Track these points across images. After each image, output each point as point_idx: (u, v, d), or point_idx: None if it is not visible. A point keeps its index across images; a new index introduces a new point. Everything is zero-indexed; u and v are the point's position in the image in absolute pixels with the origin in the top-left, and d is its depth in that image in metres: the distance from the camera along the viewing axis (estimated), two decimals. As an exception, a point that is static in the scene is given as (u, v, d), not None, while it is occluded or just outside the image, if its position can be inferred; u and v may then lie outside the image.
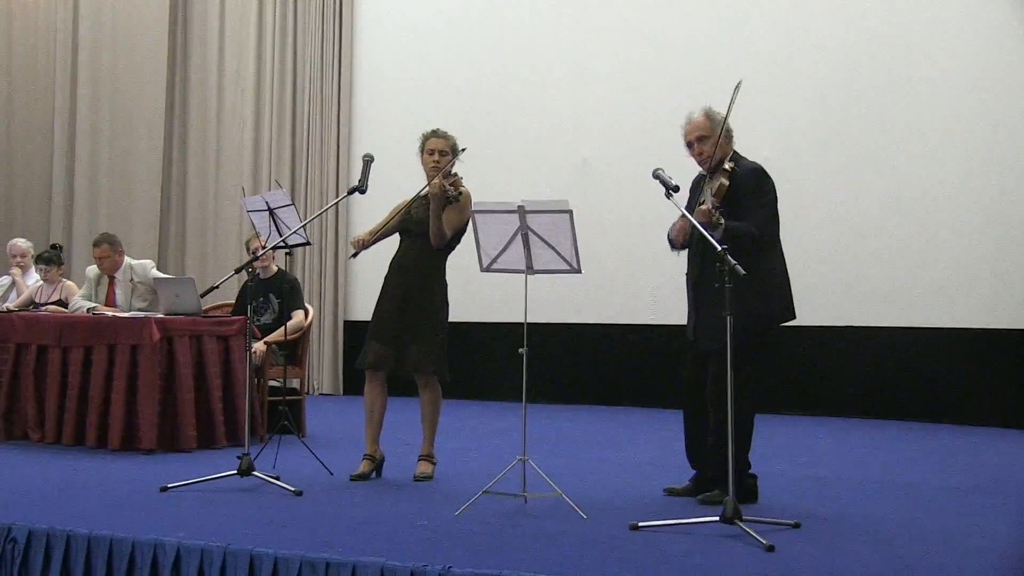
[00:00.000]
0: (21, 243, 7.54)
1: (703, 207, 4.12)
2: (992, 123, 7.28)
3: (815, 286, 7.40)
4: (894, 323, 7.52)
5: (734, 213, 4.15)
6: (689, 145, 4.38)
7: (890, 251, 7.57)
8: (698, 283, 4.35)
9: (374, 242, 4.84)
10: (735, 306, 3.71)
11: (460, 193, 4.65)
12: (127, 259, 6.43)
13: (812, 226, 7.50)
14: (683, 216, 4.34)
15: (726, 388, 3.80)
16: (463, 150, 4.73)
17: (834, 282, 7.66)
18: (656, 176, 4.15)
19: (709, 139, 4.29)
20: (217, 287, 4.90)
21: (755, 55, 7.91)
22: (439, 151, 4.78)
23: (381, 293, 4.85)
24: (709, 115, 4.35)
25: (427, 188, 4.71)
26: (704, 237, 3.98)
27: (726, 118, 4.27)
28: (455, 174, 4.76)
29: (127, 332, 5.52)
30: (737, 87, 4.15)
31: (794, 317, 4.35)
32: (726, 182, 4.19)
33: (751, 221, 4.16)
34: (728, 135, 4.36)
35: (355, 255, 4.82)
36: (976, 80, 7.32)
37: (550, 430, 6.60)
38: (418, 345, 4.70)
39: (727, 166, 4.25)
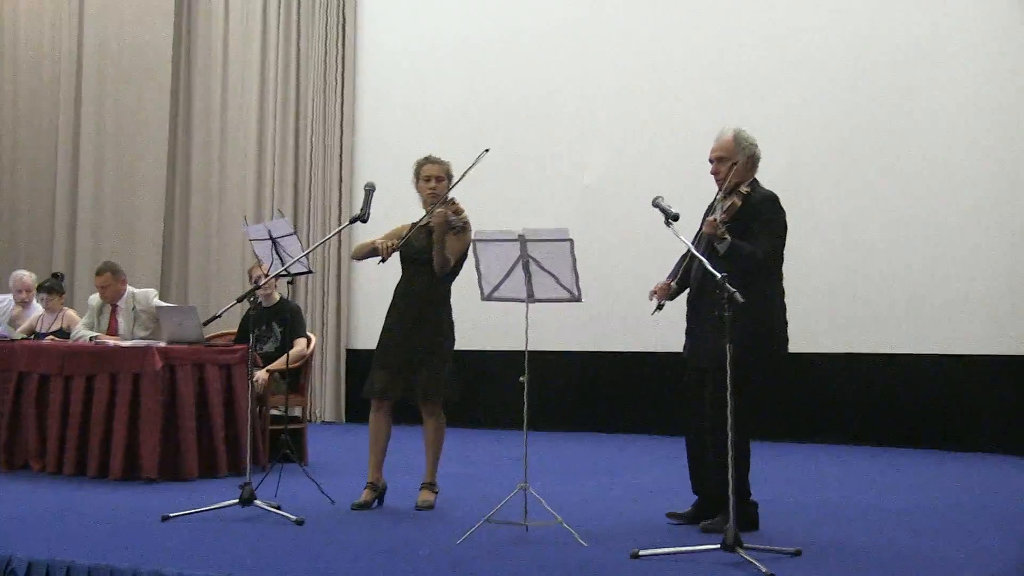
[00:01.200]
0: (26, 277, 7.42)
1: (711, 218, 4.15)
2: (1006, 141, 7.26)
3: (818, 311, 7.42)
4: (898, 350, 7.51)
5: (741, 237, 4.19)
6: (710, 162, 4.42)
7: (895, 276, 7.56)
8: (695, 302, 4.38)
9: (395, 249, 4.78)
10: (725, 331, 3.73)
11: (466, 222, 4.64)
12: (129, 288, 6.45)
13: (817, 249, 7.50)
14: (674, 271, 4.39)
15: (720, 412, 3.82)
16: (486, 151, 4.60)
17: (838, 308, 7.66)
18: (656, 205, 4.20)
19: (728, 161, 4.32)
20: (220, 316, 4.93)
21: (761, 77, 7.96)
22: (435, 177, 4.79)
23: (387, 321, 4.86)
24: (737, 137, 4.36)
25: (427, 218, 4.72)
26: (706, 258, 4.04)
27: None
28: (453, 200, 4.78)
29: (129, 361, 5.54)
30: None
31: (786, 352, 4.35)
32: (738, 202, 4.23)
33: (757, 245, 4.19)
34: (752, 162, 4.37)
35: (384, 260, 4.76)
36: (988, 98, 7.31)
37: (551, 457, 6.60)
38: (426, 373, 4.72)
39: (743, 189, 4.28)
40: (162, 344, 5.72)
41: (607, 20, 8.61)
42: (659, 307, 4.45)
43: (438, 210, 4.62)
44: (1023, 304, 7.15)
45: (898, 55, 7.61)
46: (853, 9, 7.79)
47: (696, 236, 4.40)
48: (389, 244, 4.73)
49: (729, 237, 4.12)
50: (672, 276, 4.50)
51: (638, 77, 8.44)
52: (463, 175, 4.70)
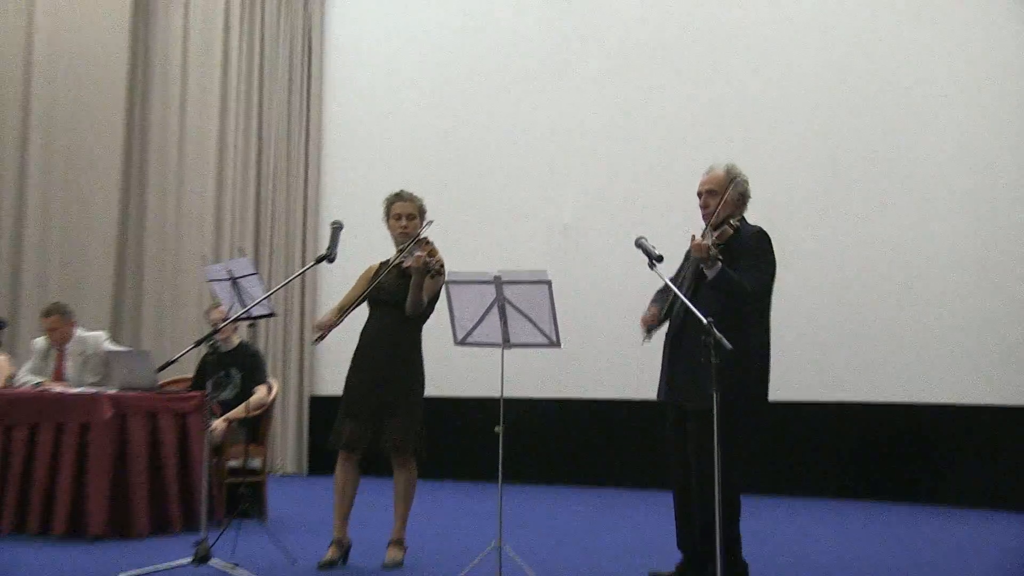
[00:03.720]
0: None
1: (702, 241, 4.13)
2: (991, 188, 7.36)
3: (800, 358, 7.45)
4: (881, 398, 7.53)
5: (730, 269, 4.19)
6: (699, 195, 4.43)
7: (878, 323, 7.61)
8: (675, 340, 4.37)
9: (339, 321, 4.80)
10: (709, 377, 3.73)
11: (442, 265, 4.65)
12: (78, 330, 6.39)
13: (797, 294, 7.54)
14: (657, 300, 4.39)
15: (706, 463, 3.79)
16: (430, 222, 4.75)
17: (820, 354, 7.69)
18: (639, 245, 4.21)
19: (718, 195, 4.34)
20: (175, 361, 4.87)
21: (741, 114, 8.07)
22: (406, 215, 4.83)
23: (353, 367, 4.85)
24: (729, 171, 4.38)
25: (399, 258, 4.73)
26: (691, 296, 4.08)
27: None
28: (426, 239, 4.79)
29: (77, 409, 5.46)
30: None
31: (767, 400, 4.35)
32: (730, 230, 4.25)
33: (745, 278, 4.20)
34: (743, 199, 4.39)
35: (319, 339, 4.78)
36: (974, 142, 7.42)
37: (528, 513, 6.57)
38: (397, 423, 4.69)
39: (733, 222, 4.31)
40: (112, 391, 5.65)
41: (583, 53, 8.71)
42: (648, 334, 4.43)
43: (416, 254, 4.60)
44: (1009, 354, 7.20)
45: (883, 93, 7.72)
46: (837, 46, 7.93)
47: (679, 271, 4.41)
48: (324, 323, 4.74)
49: (720, 262, 4.12)
50: (659, 305, 4.48)
51: (617, 111, 8.53)
52: (409, 243, 4.70)
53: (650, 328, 4.43)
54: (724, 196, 4.32)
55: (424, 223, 4.82)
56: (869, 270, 7.70)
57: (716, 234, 4.25)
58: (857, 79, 7.82)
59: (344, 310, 4.83)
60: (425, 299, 4.72)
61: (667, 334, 4.48)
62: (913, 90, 7.65)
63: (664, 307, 4.43)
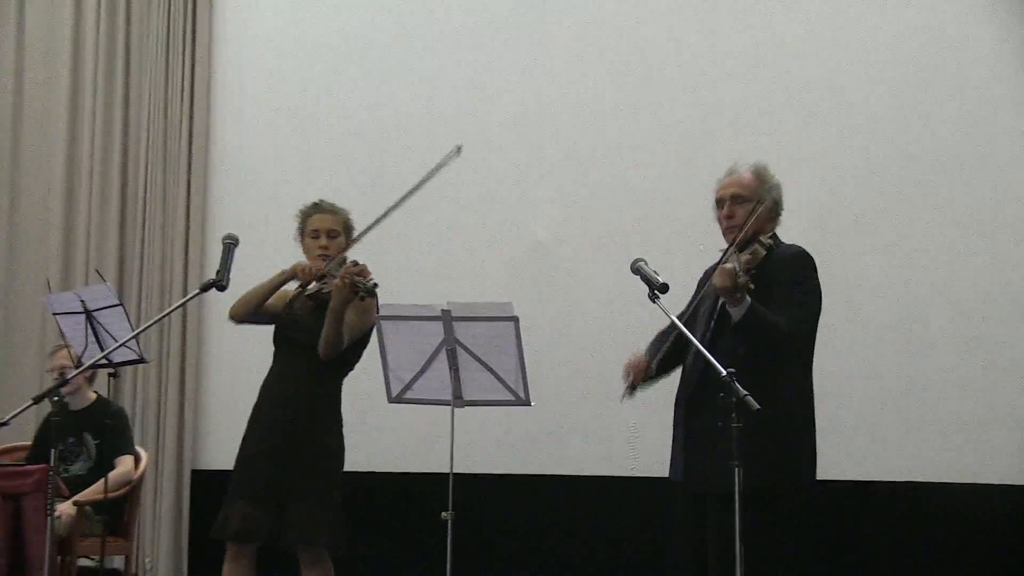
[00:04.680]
0: None
1: (727, 266, 4.11)
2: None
3: (855, 425, 7.48)
4: (971, 479, 7.56)
5: (762, 304, 4.21)
6: (719, 203, 4.46)
7: (955, 380, 7.65)
8: (693, 404, 4.38)
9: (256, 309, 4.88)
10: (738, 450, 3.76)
11: (375, 285, 4.65)
12: None
13: (851, 342, 7.58)
14: (653, 346, 4.43)
15: (734, 560, 3.82)
16: (459, 148, 4.88)
17: (882, 422, 7.72)
18: (637, 271, 4.23)
19: (748, 203, 4.38)
20: (6, 423, 4.84)
21: (770, 117, 8.04)
22: (327, 232, 4.88)
23: (250, 431, 4.88)
24: (759, 175, 4.44)
25: (320, 285, 4.73)
26: (710, 342, 4.11)
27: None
28: (355, 262, 4.79)
29: None
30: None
31: (814, 478, 4.37)
32: (763, 251, 4.27)
33: (781, 315, 4.20)
34: (776, 210, 4.45)
35: (305, 290, 4.82)
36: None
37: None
38: (304, 505, 4.71)
39: (764, 239, 4.34)
40: (-79, 464, 5.61)
41: (562, 26, 8.70)
42: (631, 390, 4.45)
43: (341, 271, 4.61)
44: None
45: (954, 104, 7.64)
46: (888, 39, 7.93)
47: (691, 308, 4.43)
48: (315, 267, 4.77)
49: (749, 298, 4.12)
50: (651, 355, 4.51)
51: (607, 96, 8.54)
52: (425, 179, 4.82)
53: (634, 385, 4.44)
54: (756, 203, 4.34)
55: (413, 188, 4.83)
56: (943, 314, 7.69)
57: (746, 257, 4.25)
58: (927, 77, 7.82)
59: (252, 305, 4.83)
60: (346, 337, 4.71)
61: (679, 395, 4.49)
62: (997, 95, 7.68)
63: (658, 355, 4.44)
